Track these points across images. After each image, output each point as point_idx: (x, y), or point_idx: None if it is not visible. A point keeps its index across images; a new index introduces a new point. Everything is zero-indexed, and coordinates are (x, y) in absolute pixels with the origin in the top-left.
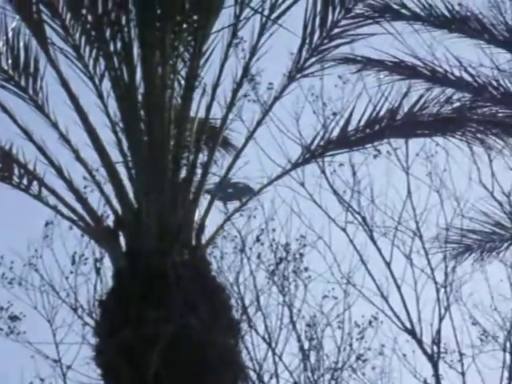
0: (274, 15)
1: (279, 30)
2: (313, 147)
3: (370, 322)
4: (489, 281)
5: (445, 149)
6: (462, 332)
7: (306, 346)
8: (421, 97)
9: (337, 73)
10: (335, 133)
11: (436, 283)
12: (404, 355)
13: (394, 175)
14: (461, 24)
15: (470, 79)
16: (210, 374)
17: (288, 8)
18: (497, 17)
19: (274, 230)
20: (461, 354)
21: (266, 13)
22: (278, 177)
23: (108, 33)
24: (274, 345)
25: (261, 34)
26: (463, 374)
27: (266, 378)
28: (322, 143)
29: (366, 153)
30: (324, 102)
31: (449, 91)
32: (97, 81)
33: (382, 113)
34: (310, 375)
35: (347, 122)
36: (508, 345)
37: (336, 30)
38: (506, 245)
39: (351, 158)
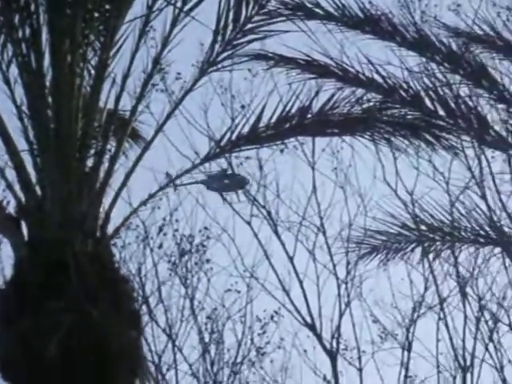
0: (186, 7)
1: (192, 23)
2: (223, 143)
3: (272, 317)
4: (390, 279)
5: (351, 146)
6: (362, 329)
7: (207, 338)
8: (332, 96)
9: (248, 67)
10: (246, 129)
11: (338, 279)
12: (305, 351)
13: (300, 170)
14: (373, 25)
15: (380, 80)
16: (109, 365)
17: (201, 1)
18: (406, 16)
19: (177, 221)
20: (360, 351)
21: (178, 4)
22: (187, 171)
23: (17, 18)
24: (174, 337)
25: (173, 26)
26: (361, 370)
27: (164, 369)
28: (232, 139)
29: (273, 147)
30: (233, 95)
31: (359, 92)
32: (4, 67)
33: (292, 111)
34: (209, 368)
35: (258, 118)
36: (406, 343)
37: (249, 26)
38: (411, 246)
39: (258, 151)
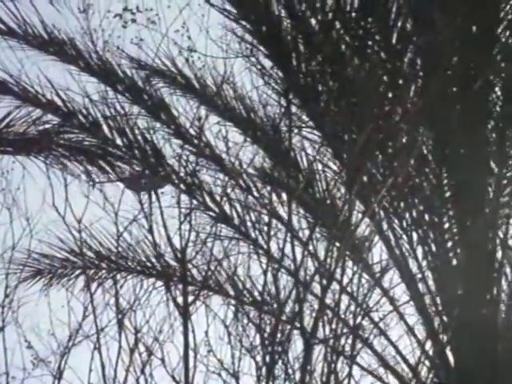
0: None
1: None
2: None
3: None
4: (50, 305)
5: (24, 166)
6: (15, 354)
7: None
8: (8, 114)
9: None
10: None
11: None
12: None
13: None
14: (57, 48)
15: (60, 103)
16: None
17: None
18: (89, 43)
19: None
20: (9, 376)
21: None
22: None
23: None
24: None
25: None
26: None
27: None
28: None
29: None
30: None
31: (37, 112)
32: None
33: None
34: None
35: None
36: (58, 371)
37: None
38: (76, 273)
39: None
